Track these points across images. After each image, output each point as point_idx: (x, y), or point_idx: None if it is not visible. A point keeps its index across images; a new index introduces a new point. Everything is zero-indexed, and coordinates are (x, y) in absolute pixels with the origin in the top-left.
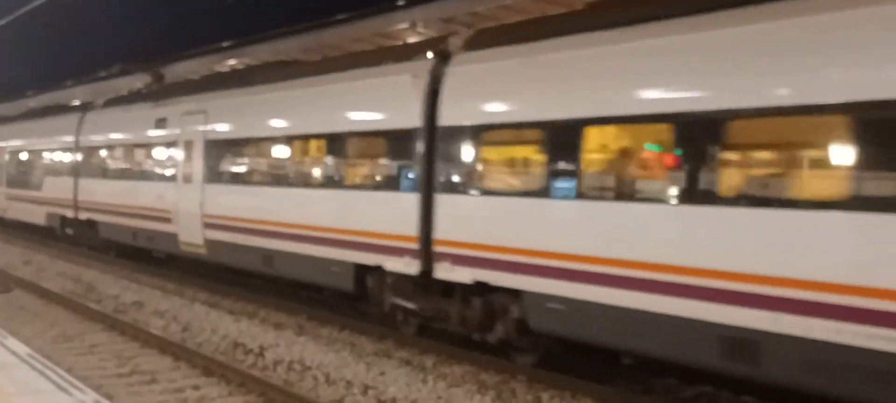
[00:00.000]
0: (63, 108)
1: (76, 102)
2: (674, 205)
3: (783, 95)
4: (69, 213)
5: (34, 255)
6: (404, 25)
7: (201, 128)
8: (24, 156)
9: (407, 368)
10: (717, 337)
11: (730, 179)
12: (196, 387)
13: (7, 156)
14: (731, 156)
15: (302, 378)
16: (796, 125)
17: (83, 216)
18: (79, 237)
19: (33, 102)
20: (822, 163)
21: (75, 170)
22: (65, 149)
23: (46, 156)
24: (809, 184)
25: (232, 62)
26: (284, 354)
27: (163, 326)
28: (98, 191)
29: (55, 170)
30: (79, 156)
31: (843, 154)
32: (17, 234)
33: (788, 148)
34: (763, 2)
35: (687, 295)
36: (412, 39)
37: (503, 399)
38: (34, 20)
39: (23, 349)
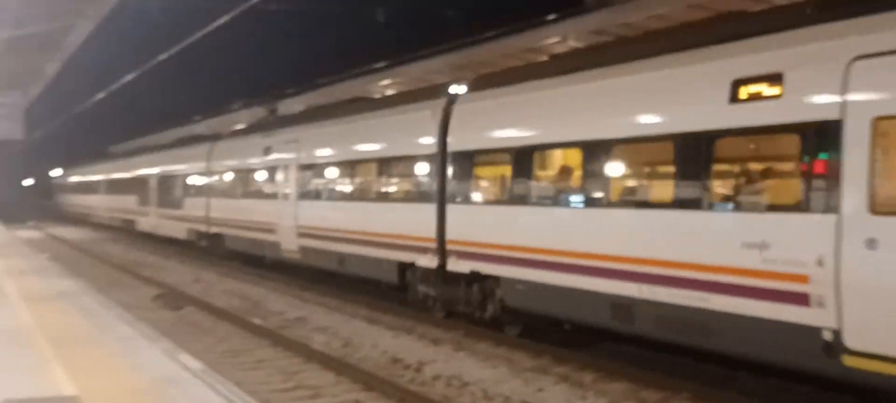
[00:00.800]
0: (197, 138)
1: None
2: (582, 209)
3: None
4: (203, 228)
5: (203, 274)
6: (555, 39)
7: (293, 154)
8: (169, 180)
9: (565, 384)
10: (610, 304)
11: (611, 188)
12: (357, 402)
13: (156, 182)
14: (610, 171)
15: (460, 393)
16: (645, 149)
17: (213, 230)
18: (211, 248)
19: (178, 132)
20: (660, 175)
21: (207, 192)
22: (199, 174)
23: (186, 180)
24: (654, 191)
25: (385, 83)
26: (442, 369)
27: (325, 342)
28: (223, 209)
29: (192, 191)
30: (209, 180)
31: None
32: (187, 255)
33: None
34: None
35: (591, 274)
36: (559, 49)
37: None
38: (195, 51)
39: (194, 364)
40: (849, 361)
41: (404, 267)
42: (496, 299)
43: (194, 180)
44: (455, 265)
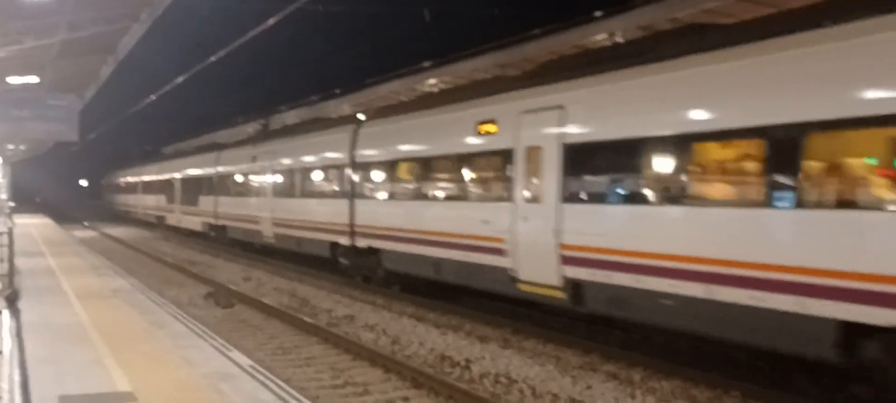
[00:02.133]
0: (212, 146)
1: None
2: (416, 202)
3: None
4: (212, 221)
5: (253, 272)
6: (602, 36)
7: (269, 162)
8: (189, 182)
9: (614, 382)
10: (432, 263)
11: (426, 189)
12: (406, 399)
13: (180, 183)
14: (428, 177)
15: (508, 391)
16: (442, 163)
17: (220, 223)
18: (218, 237)
19: (205, 139)
20: (450, 179)
21: (215, 191)
22: (209, 177)
23: (200, 182)
24: (448, 190)
25: (432, 81)
26: (490, 367)
27: (373, 339)
28: (226, 205)
29: (205, 191)
30: (216, 182)
31: (455, 175)
32: (237, 253)
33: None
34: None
35: (422, 244)
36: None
37: None
38: (244, 53)
39: (245, 360)
40: (521, 287)
41: (333, 245)
42: (382, 265)
43: (206, 182)
44: (360, 242)
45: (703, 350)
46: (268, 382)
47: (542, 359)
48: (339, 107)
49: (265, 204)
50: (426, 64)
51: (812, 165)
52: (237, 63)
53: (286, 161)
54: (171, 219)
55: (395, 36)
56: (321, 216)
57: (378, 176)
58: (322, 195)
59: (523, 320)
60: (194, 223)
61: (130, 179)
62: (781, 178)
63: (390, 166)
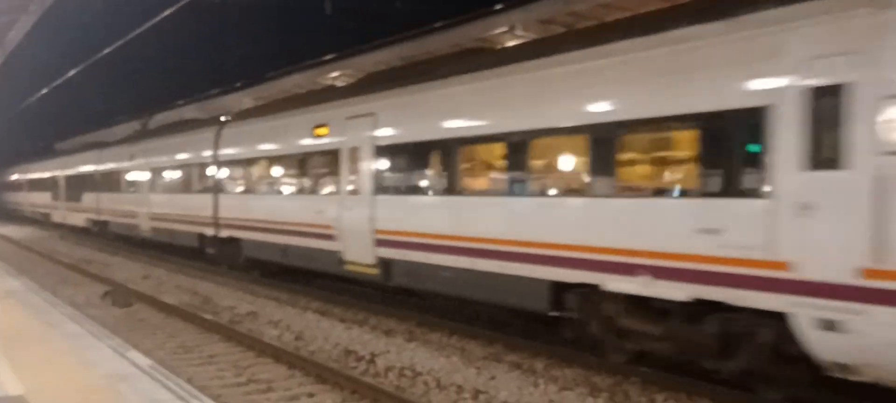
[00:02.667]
0: (91, 145)
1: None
2: (263, 196)
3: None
4: (94, 217)
5: (153, 270)
6: (503, 29)
7: (144, 160)
8: (72, 179)
9: (517, 372)
10: (279, 249)
11: (270, 184)
12: (311, 395)
13: (64, 181)
14: (272, 174)
15: (413, 383)
16: (287, 160)
17: (102, 219)
18: (101, 232)
19: (96, 136)
20: (297, 174)
21: (96, 188)
22: (90, 174)
23: (83, 179)
24: (292, 184)
25: (334, 74)
26: (395, 360)
27: (277, 335)
28: (106, 201)
29: (87, 188)
30: (96, 179)
31: (298, 170)
32: (135, 251)
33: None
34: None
35: (270, 232)
36: (510, 42)
37: (616, 402)
38: (138, 45)
39: (144, 360)
40: (347, 267)
41: (201, 236)
42: (243, 254)
43: (89, 179)
44: (223, 233)
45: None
46: (168, 382)
47: (447, 351)
48: (241, 100)
49: (142, 199)
50: (328, 57)
51: (534, 163)
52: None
53: (160, 159)
54: (57, 216)
55: (297, 29)
56: (190, 209)
57: (237, 172)
58: (191, 190)
59: (428, 313)
60: (78, 219)
61: (18, 177)
62: (514, 174)
63: (247, 163)
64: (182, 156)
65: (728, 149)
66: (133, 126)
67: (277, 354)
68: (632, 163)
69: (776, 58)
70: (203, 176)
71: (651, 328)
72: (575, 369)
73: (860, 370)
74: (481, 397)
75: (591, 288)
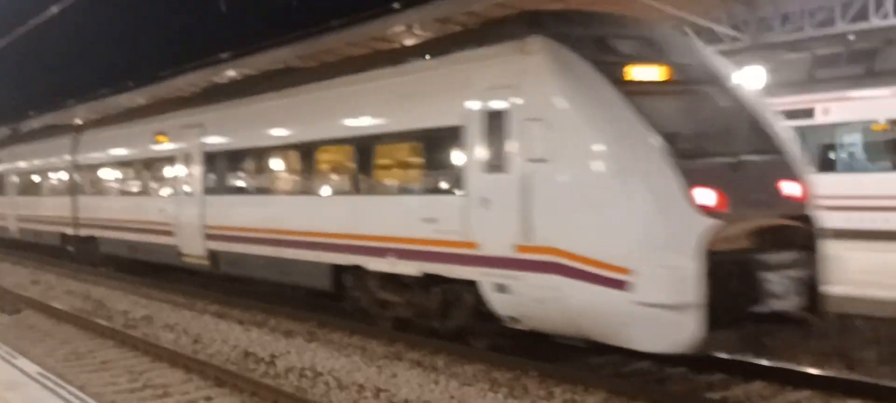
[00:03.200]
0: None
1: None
2: (114, 197)
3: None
4: None
5: (42, 275)
6: (401, 28)
7: (23, 164)
8: None
9: (418, 369)
10: (128, 246)
11: (123, 186)
12: (208, 398)
13: None
14: (123, 178)
15: (314, 384)
16: (145, 165)
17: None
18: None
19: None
20: (145, 177)
21: None
22: None
23: None
24: (141, 186)
25: (231, 73)
26: (296, 361)
27: (173, 339)
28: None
29: None
30: None
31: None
32: (25, 255)
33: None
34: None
35: (121, 231)
36: (409, 41)
37: (516, 396)
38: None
39: (33, 368)
40: (184, 259)
41: (63, 236)
42: (99, 250)
43: None
44: (82, 232)
45: (503, 339)
46: (59, 389)
47: (349, 351)
48: (133, 99)
49: (11, 202)
50: (224, 55)
51: (317, 167)
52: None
53: (25, 164)
54: None
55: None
56: (53, 211)
57: (93, 175)
58: (53, 193)
59: (329, 313)
60: None
61: None
62: (303, 176)
63: (101, 167)
64: (44, 161)
65: (439, 157)
66: (3, 131)
67: (174, 358)
68: (382, 167)
69: (467, 88)
70: (63, 179)
71: (398, 298)
72: (475, 365)
73: (522, 321)
74: (382, 395)
75: (359, 269)
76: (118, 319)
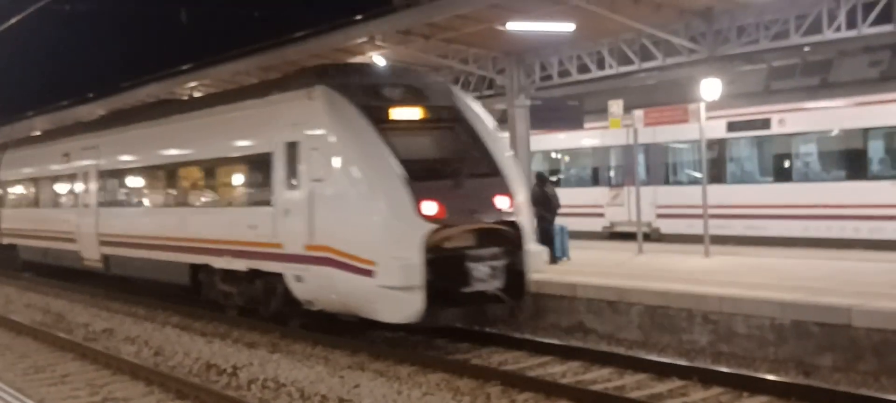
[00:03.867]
0: None
1: None
2: (24, 209)
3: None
4: None
5: (1, 288)
6: (363, 39)
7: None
8: None
9: (381, 379)
10: (42, 251)
11: (25, 199)
12: None
13: None
14: (20, 191)
15: (277, 395)
16: (36, 183)
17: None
18: None
19: None
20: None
21: None
22: None
23: None
24: (32, 198)
25: (192, 84)
26: (258, 373)
27: (135, 352)
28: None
29: None
30: None
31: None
32: None
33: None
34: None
35: (29, 238)
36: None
37: None
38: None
39: None
40: (84, 263)
41: None
42: (20, 256)
43: None
44: (4, 240)
45: (464, 349)
46: None
47: (311, 361)
48: (93, 111)
49: None
50: (185, 67)
51: (179, 184)
52: None
53: None
54: None
55: (154, 37)
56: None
57: (14, 190)
58: None
59: (291, 324)
60: None
61: None
62: (167, 191)
63: (20, 183)
64: None
65: (259, 177)
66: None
67: (135, 371)
68: (222, 184)
69: (275, 124)
70: None
71: (234, 290)
72: (439, 373)
73: (315, 303)
74: None
75: (208, 267)
76: (78, 332)
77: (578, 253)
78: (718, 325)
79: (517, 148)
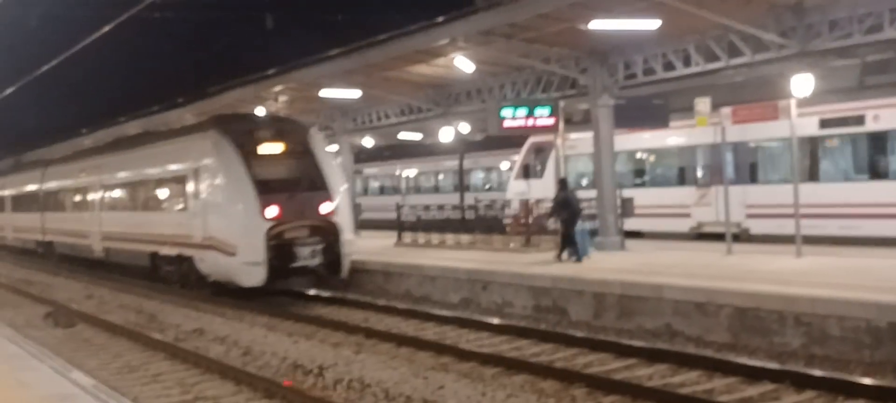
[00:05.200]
0: None
1: None
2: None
3: None
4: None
5: (96, 289)
6: (445, 41)
7: None
8: None
9: (465, 380)
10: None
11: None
12: None
13: None
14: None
15: (361, 396)
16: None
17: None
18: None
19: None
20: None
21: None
22: None
23: None
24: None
25: (278, 88)
26: (343, 373)
27: (224, 352)
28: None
29: None
30: None
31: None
32: (80, 269)
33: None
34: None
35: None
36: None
37: None
38: (78, 62)
39: (87, 381)
40: (94, 254)
41: (37, 242)
42: (55, 251)
43: None
44: (47, 238)
45: (551, 351)
46: (112, 401)
47: (396, 362)
48: (182, 116)
49: (6, 217)
50: (271, 71)
51: (143, 196)
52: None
53: (11, 190)
54: None
55: (238, 42)
56: (27, 223)
57: (52, 198)
58: (27, 209)
59: (376, 325)
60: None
61: None
62: (120, 200)
63: (55, 193)
64: (22, 189)
65: (182, 190)
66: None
67: (224, 370)
68: (163, 196)
69: (189, 154)
70: (33, 200)
71: (173, 270)
72: (523, 375)
73: (212, 276)
74: None
75: (157, 254)
76: (170, 332)
77: (663, 254)
78: (811, 327)
79: (601, 148)
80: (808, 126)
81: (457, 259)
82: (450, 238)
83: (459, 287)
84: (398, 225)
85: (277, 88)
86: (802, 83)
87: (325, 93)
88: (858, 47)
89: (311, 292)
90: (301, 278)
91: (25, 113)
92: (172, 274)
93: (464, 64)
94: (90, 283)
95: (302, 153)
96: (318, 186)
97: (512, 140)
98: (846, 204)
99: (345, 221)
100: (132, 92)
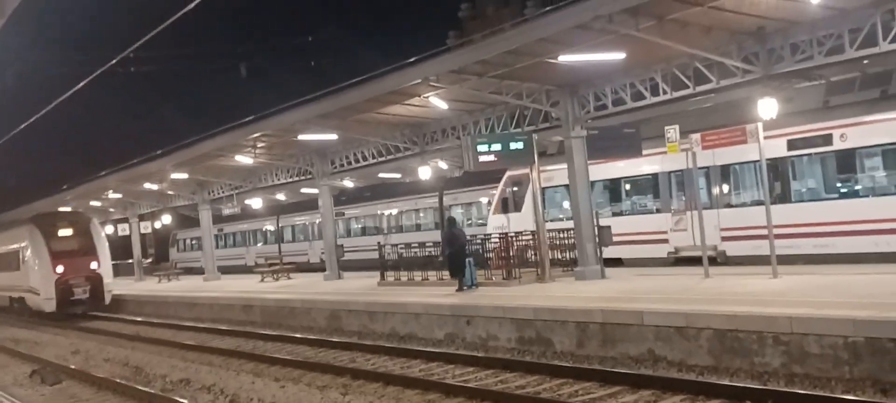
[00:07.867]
0: None
1: None
2: None
3: None
4: None
5: (83, 344)
6: (417, 81)
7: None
8: None
9: None
10: None
11: None
12: None
13: None
14: None
15: None
16: None
17: None
18: None
19: None
20: None
21: None
22: None
23: None
24: None
25: (255, 135)
26: None
27: (210, 400)
28: None
29: None
30: None
31: None
32: (65, 328)
33: None
34: None
35: None
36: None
37: None
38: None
39: None
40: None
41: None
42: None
43: None
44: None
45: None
46: None
47: (383, 401)
48: (162, 167)
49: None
50: (249, 118)
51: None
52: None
53: None
54: None
55: (213, 92)
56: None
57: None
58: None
59: (364, 365)
60: None
61: None
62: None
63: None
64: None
65: (17, 259)
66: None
67: None
68: (9, 262)
69: (20, 238)
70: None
71: (16, 305)
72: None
73: (32, 309)
74: None
75: (10, 297)
76: (157, 383)
77: (643, 280)
78: (791, 346)
79: (576, 179)
80: (777, 148)
81: (440, 294)
82: (432, 274)
83: (444, 323)
84: (381, 265)
85: (255, 135)
86: (767, 106)
87: (302, 137)
88: (821, 69)
89: (298, 334)
90: (78, 307)
91: (7, 170)
92: (14, 307)
93: (437, 102)
94: (77, 340)
95: (83, 233)
96: (90, 253)
97: (490, 175)
98: (818, 222)
99: (106, 272)
100: (110, 146)
